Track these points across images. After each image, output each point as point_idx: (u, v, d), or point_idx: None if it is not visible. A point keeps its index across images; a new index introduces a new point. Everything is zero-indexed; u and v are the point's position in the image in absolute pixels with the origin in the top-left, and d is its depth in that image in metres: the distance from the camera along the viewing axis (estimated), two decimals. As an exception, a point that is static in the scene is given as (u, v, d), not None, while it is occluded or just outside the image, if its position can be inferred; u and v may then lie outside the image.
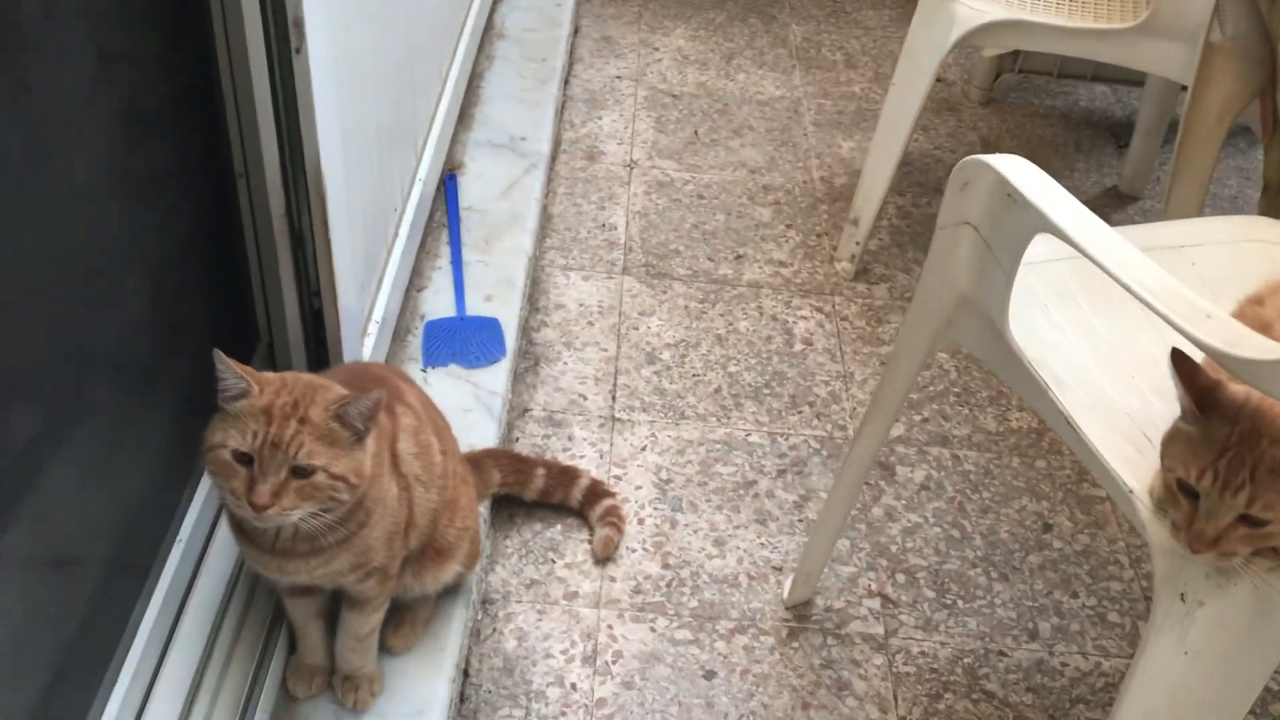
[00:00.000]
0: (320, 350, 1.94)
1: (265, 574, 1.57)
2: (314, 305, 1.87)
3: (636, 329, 2.62)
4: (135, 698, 1.61)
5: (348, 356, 1.95)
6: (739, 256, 2.85)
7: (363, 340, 2.10)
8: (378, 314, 2.20)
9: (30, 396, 1.29)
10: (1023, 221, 1.38)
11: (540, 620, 2.02)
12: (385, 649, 1.81)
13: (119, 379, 1.61)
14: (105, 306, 1.52)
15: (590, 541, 2.14)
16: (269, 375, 1.40)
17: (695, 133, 3.27)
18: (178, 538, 1.79)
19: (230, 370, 1.34)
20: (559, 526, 2.18)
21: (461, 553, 1.82)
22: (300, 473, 1.34)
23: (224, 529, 1.76)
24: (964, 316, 1.61)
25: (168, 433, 1.82)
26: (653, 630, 2.01)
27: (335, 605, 1.74)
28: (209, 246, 1.89)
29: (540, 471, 2.15)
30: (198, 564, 1.80)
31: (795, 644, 2.01)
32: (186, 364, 1.85)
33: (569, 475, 2.18)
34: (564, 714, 1.88)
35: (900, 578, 2.13)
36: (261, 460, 1.33)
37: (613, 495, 2.17)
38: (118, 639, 1.63)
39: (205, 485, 1.82)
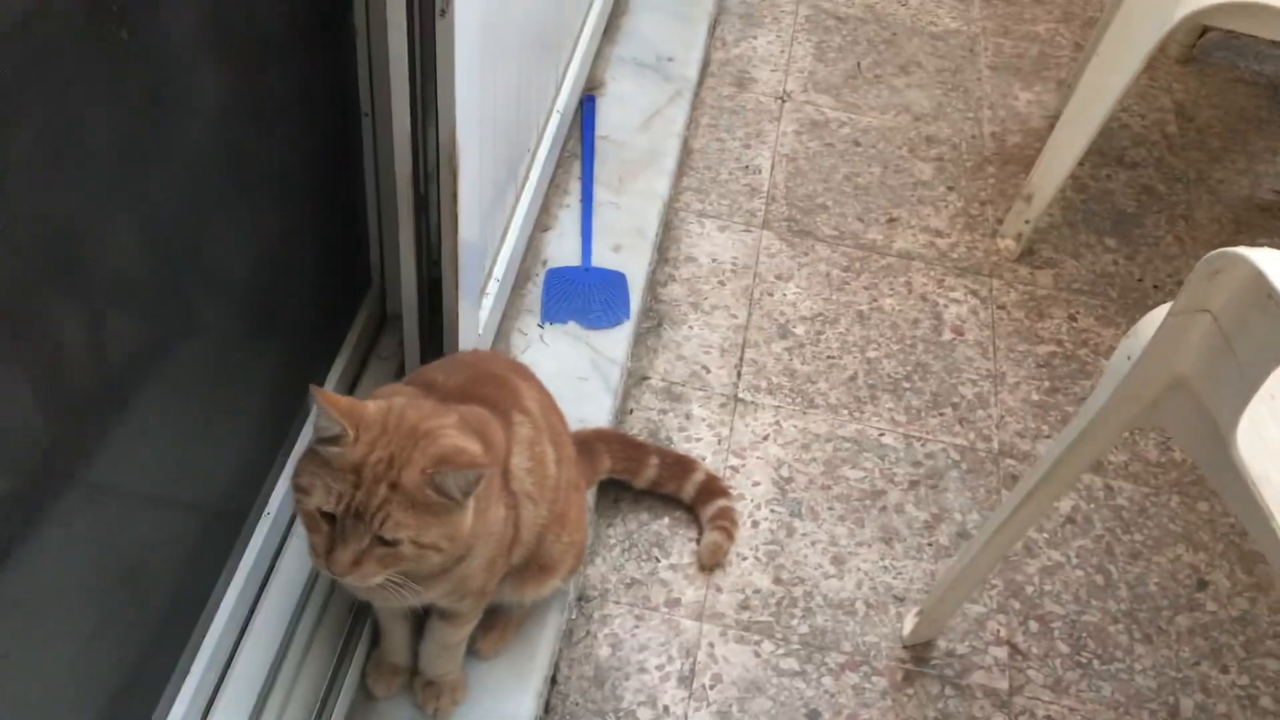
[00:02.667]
0: (435, 317, 1.77)
1: (355, 595, 1.44)
2: (432, 274, 1.69)
3: (771, 295, 2.40)
4: (209, 682, 1.52)
5: (464, 324, 1.78)
6: (892, 220, 2.59)
7: (481, 300, 1.92)
8: (499, 271, 2.01)
9: (125, 320, 1.24)
10: (1280, 331, 1.14)
11: (638, 627, 1.88)
12: (473, 653, 1.69)
13: (216, 315, 1.46)
14: (213, 233, 1.37)
15: (698, 543, 1.98)
16: (372, 412, 1.24)
17: (858, 65, 2.96)
18: (265, 510, 1.67)
19: (327, 412, 1.19)
20: (666, 520, 2.02)
21: (565, 568, 1.67)
22: (385, 542, 1.21)
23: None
24: (1176, 401, 1.37)
25: (265, 387, 1.68)
26: (757, 655, 1.86)
27: (424, 608, 1.62)
28: (327, 183, 1.72)
29: (653, 461, 1.98)
30: (283, 540, 1.69)
31: (910, 690, 1.84)
32: (292, 305, 1.69)
33: (683, 467, 2.00)
34: (654, 740, 1.76)
35: (1033, 625, 1.94)
36: (344, 526, 1.19)
37: (727, 495, 2.00)
38: (195, 617, 1.53)
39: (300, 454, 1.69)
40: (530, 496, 1.50)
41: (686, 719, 1.78)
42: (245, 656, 1.57)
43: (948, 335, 2.36)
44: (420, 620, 1.66)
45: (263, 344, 1.64)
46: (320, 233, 1.75)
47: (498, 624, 1.72)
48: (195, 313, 1.40)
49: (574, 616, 1.88)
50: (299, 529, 1.71)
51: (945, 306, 2.42)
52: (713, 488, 2.00)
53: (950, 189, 2.68)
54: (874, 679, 1.85)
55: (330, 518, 1.19)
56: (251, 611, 1.61)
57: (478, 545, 1.35)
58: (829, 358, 2.30)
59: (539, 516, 1.54)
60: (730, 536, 1.96)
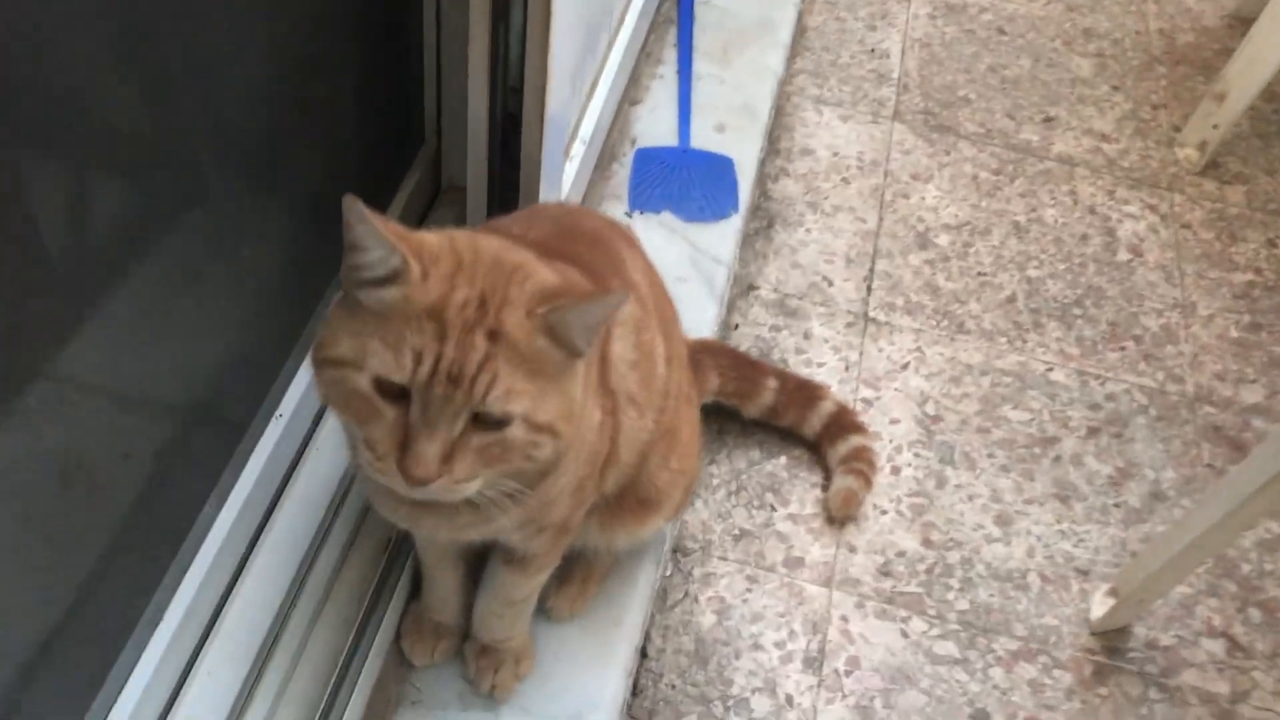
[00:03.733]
0: (508, 172, 1.34)
1: (396, 523, 1.02)
2: (508, 107, 1.27)
3: (906, 197, 1.96)
4: (189, 633, 1.12)
5: (546, 183, 1.36)
6: (1048, 119, 2.14)
7: (564, 164, 1.50)
8: (585, 130, 1.59)
9: (112, 180, 0.94)
10: None
11: (749, 591, 1.45)
12: (543, 613, 1.28)
13: (222, 176, 1.06)
14: (219, 65, 0.97)
15: (824, 489, 1.56)
16: (435, 243, 0.84)
17: (998, -53, 2.50)
18: (277, 412, 1.25)
19: (372, 231, 0.78)
20: (783, 459, 1.59)
21: (671, 504, 1.24)
22: (487, 423, 0.81)
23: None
24: None
25: (280, 266, 1.27)
26: (904, 635, 1.43)
27: (482, 550, 1.20)
28: (369, 5, 1.30)
29: (770, 384, 1.55)
30: (299, 454, 1.28)
31: (1103, 690, 1.41)
32: (317, 163, 1.28)
33: (808, 394, 1.57)
34: (773, 739, 1.33)
35: (1254, 614, 1.50)
36: (428, 402, 0.79)
37: (863, 431, 1.57)
38: (174, 550, 1.13)
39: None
40: (633, 400, 1.09)
41: (815, 713, 1.36)
42: (240, 604, 1.16)
43: (1124, 255, 1.92)
44: (476, 566, 1.24)
45: (278, 213, 1.23)
46: (359, 68, 1.33)
47: (576, 576, 1.30)
48: (197, 173, 1.03)
49: (668, 573, 1.45)
50: (320, 437, 1.29)
51: (1119, 222, 1.97)
52: (844, 421, 1.57)
53: (1115, 88, 2.22)
54: (1056, 673, 1.42)
55: (398, 395, 0.81)
56: (252, 545, 1.20)
57: (569, 455, 0.93)
58: (980, 275, 1.86)
59: (642, 429, 1.12)
60: (867, 483, 1.53)
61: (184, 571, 1.13)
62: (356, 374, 0.81)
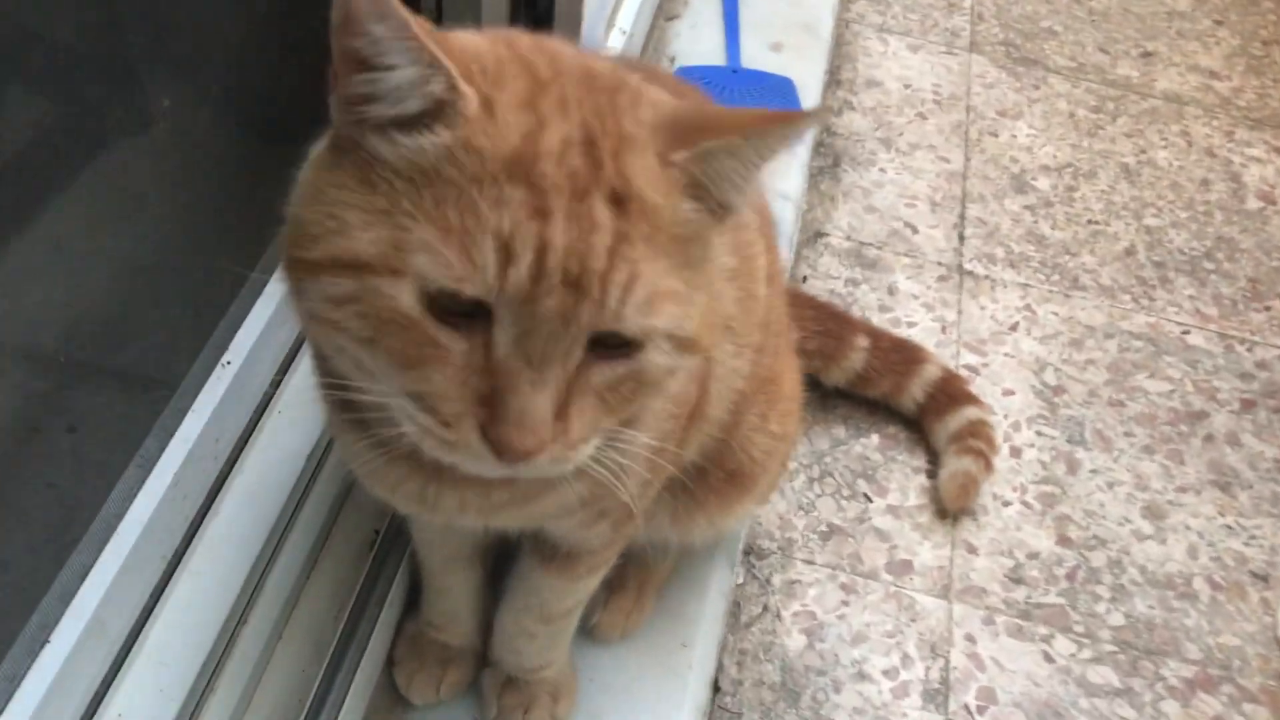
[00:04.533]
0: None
1: (396, 506, 0.69)
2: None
3: (994, 135, 1.64)
4: (90, 660, 0.78)
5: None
6: (1146, 54, 1.83)
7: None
8: (624, 20, 1.26)
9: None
10: None
11: (847, 605, 1.12)
12: (584, 632, 0.94)
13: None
14: None
15: (931, 475, 1.23)
16: (478, 47, 0.57)
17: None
18: (223, 359, 0.92)
19: (395, 26, 0.52)
20: (875, 438, 1.26)
21: (766, 480, 0.92)
22: (612, 346, 0.55)
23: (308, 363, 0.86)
24: None
25: (229, 169, 0.95)
26: (1048, 659, 1.10)
27: (504, 544, 0.87)
28: None
29: (861, 342, 1.23)
30: (255, 416, 0.94)
31: (1308, 730, 1.08)
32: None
33: (906, 356, 1.25)
34: (892, 800, 1.00)
35: None
36: (531, 323, 0.53)
37: (977, 402, 1.24)
38: (75, 538, 0.80)
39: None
40: (729, 326, 0.76)
41: (945, 765, 1.02)
42: (167, 619, 0.83)
43: (1254, 203, 1.61)
44: (497, 567, 0.91)
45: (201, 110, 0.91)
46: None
47: (630, 583, 0.98)
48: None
49: (740, 581, 1.12)
50: (286, 393, 0.96)
51: (1243, 166, 1.66)
52: (953, 390, 1.24)
53: (1218, 23, 1.92)
54: (1247, 707, 1.09)
55: (469, 317, 0.54)
56: (187, 540, 0.87)
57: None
58: (1091, 223, 1.54)
59: (738, 371, 0.81)
60: (987, 465, 1.20)
61: (84, 573, 0.79)
62: (389, 284, 0.52)
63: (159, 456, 0.86)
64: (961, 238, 1.49)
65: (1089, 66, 1.79)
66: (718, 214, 0.57)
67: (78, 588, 0.79)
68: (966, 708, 1.06)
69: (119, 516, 0.82)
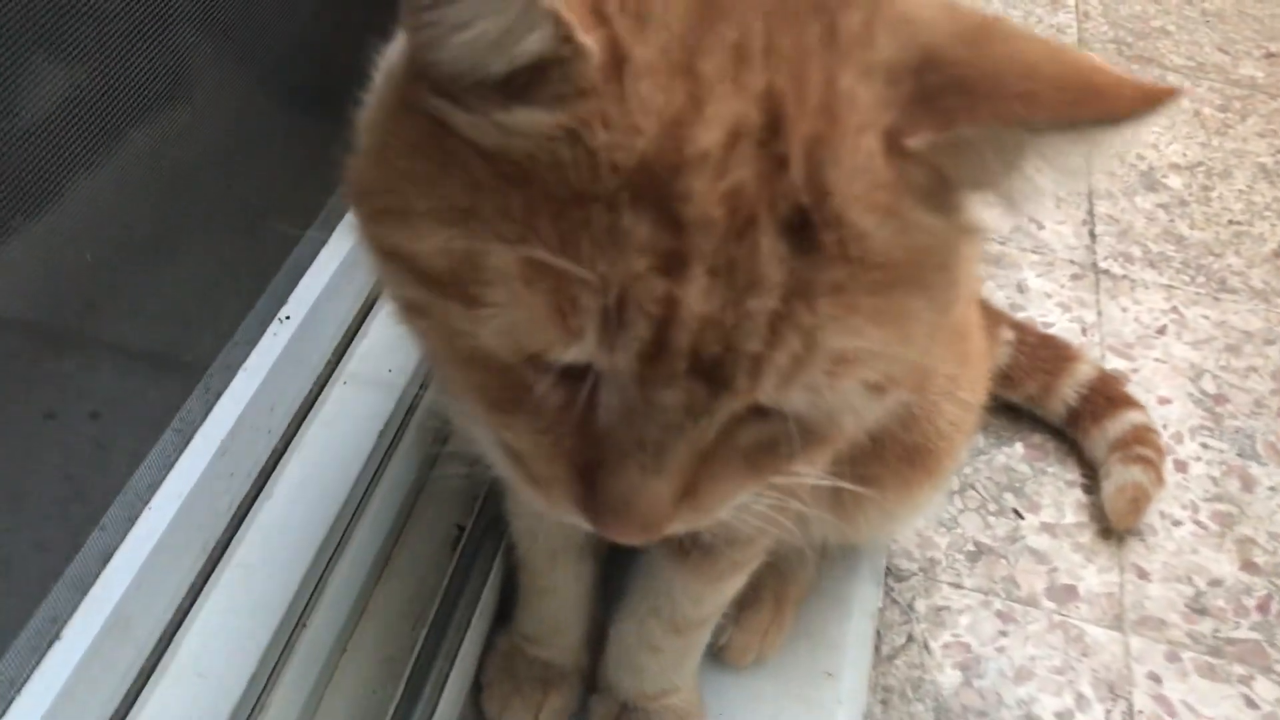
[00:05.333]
0: None
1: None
2: None
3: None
4: (107, 669, 0.60)
5: None
6: (1269, 55, 1.69)
7: None
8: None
9: None
10: None
11: (1005, 636, 0.94)
12: (712, 655, 0.76)
13: None
14: None
15: (1090, 489, 1.05)
16: None
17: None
18: (280, 314, 0.76)
19: None
20: (1019, 447, 1.09)
21: (951, 459, 0.75)
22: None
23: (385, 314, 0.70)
24: None
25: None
26: (1250, 704, 0.92)
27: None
28: None
29: (1006, 334, 1.07)
30: (320, 382, 0.78)
31: None
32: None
33: (1056, 354, 1.09)
34: None
35: None
36: (647, 410, 0.38)
37: (1139, 406, 1.07)
38: (103, 509, 0.64)
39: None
40: None
41: (1143, 830, 0.84)
42: (205, 625, 0.66)
43: None
44: (610, 565, 0.74)
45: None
46: None
47: (766, 596, 0.81)
48: None
49: (882, 605, 0.94)
50: (361, 346, 0.80)
51: (1390, 169, 1.50)
52: (1112, 393, 1.07)
53: (1341, 27, 1.78)
54: None
55: (573, 376, 0.39)
56: (233, 532, 0.71)
57: None
58: (1232, 223, 1.38)
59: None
60: (1158, 477, 1.02)
61: (105, 558, 0.62)
62: (464, 315, 0.38)
63: (202, 421, 0.69)
64: (1092, 235, 1.33)
65: (1209, 66, 1.64)
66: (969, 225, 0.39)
67: (97, 574, 0.62)
68: (1161, 761, 0.88)
69: (151, 490, 0.66)
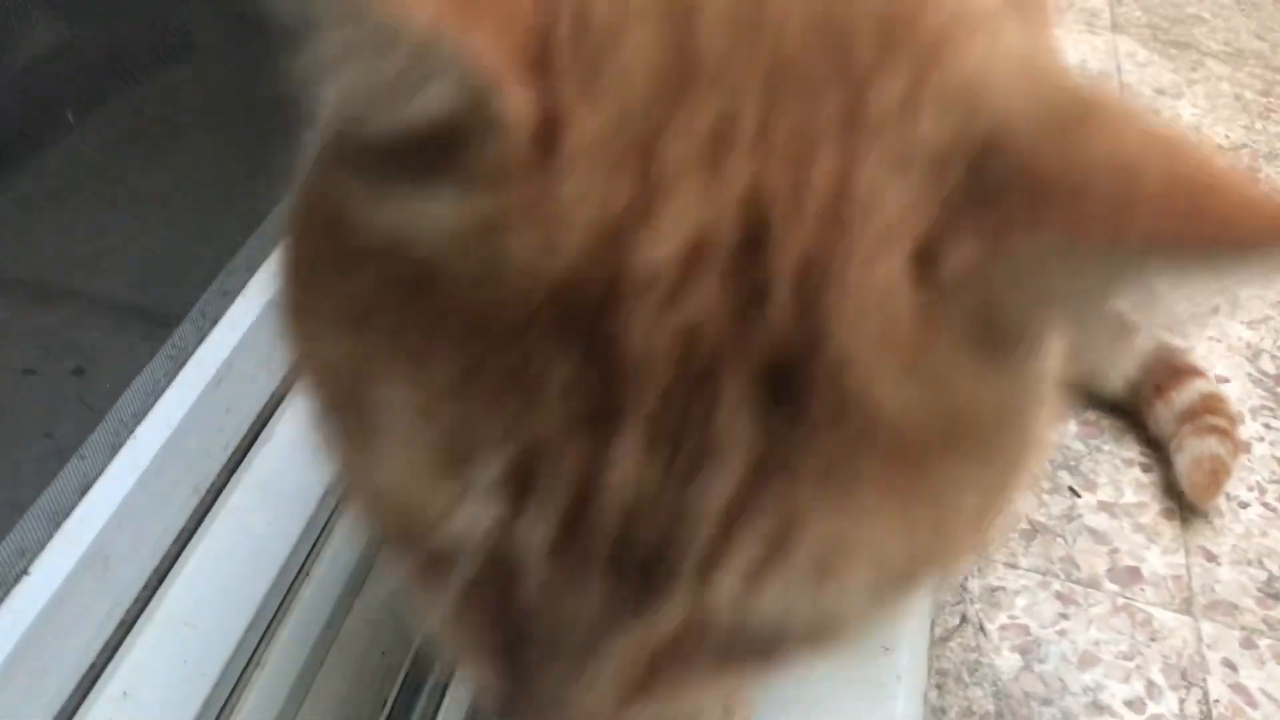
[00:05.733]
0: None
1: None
2: None
3: (1155, 113, 1.43)
4: None
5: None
6: (1308, 43, 1.63)
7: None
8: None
9: None
10: None
11: (1066, 619, 0.87)
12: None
13: None
14: None
15: (1148, 468, 0.98)
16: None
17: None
18: (241, 290, 0.69)
19: None
20: (1071, 424, 1.02)
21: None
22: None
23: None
24: None
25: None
26: (1333, 693, 0.84)
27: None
28: None
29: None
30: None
31: None
32: None
33: (1111, 322, 1.01)
34: None
35: None
36: (559, 614, 0.29)
37: (1205, 375, 1.00)
38: (83, 435, 0.57)
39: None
40: None
41: (1228, 827, 0.76)
42: (195, 570, 0.59)
43: None
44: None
45: None
46: None
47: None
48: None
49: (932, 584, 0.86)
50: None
51: None
52: (1175, 362, 1.01)
53: (1379, 18, 1.73)
54: None
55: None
56: (234, 467, 0.63)
57: None
58: (1281, 204, 1.32)
59: None
60: (1235, 447, 0.95)
61: (84, 488, 0.55)
62: (354, 444, 0.31)
63: (197, 346, 0.62)
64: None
65: (1248, 52, 1.59)
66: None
67: (73, 506, 0.55)
68: (1241, 751, 0.80)
69: (137, 418, 0.58)
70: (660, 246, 0.25)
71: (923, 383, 0.27)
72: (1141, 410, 1.00)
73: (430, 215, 0.26)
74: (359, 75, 0.25)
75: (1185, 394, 0.97)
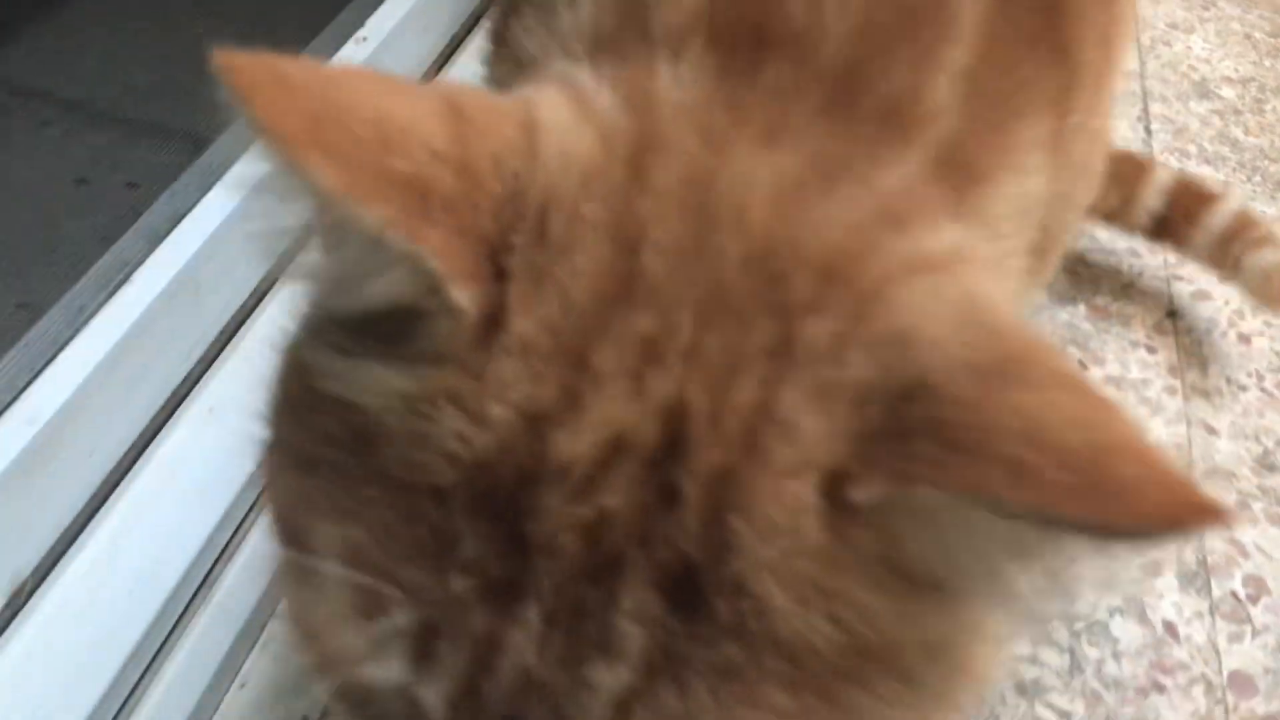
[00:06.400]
0: None
1: None
2: None
3: (1168, 45, 1.48)
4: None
5: None
6: (1316, -6, 1.68)
7: None
8: None
9: None
10: None
11: (1073, 471, 0.90)
12: None
13: None
14: None
15: (1153, 349, 1.02)
16: (559, 134, 0.31)
17: None
18: (357, 34, 0.72)
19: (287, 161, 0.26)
20: (1082, 308, 1.07)
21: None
22: None
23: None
24: None
25: None
26: (1323, 551, 0.89)
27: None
28: None
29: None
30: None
31: None
32: None
33: (1133, 165, 1.06)
34: (1158, 686, 0.78)
35: None
36: None
37: (1223, 197, 1.04)
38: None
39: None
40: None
41: (1219, 654, 0.80)
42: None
43: None
44: None
45: None
46: None
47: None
48: None
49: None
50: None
51: None
52: (1198, 189, 1.03)
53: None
54: None
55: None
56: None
57: None
58: (1286, 133, 1.36)
59: None
60: None
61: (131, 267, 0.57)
62: (291, 578, 0.32)
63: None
64: (1149, 130, 1.31)
65: (1258, -3, 1.63)
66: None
67: (169, 232, 0.57)
68: (1234, 595, 0.85)
69: (180, 215, 0.60)
70: (578, 442, 0.27)
71: (829, 607, 0.27)
72: (1178, 240, 1.01)
73: (379, 382, 0.29)
74: (332, 258, 0.28)
75: (1218, 216, 1.00)
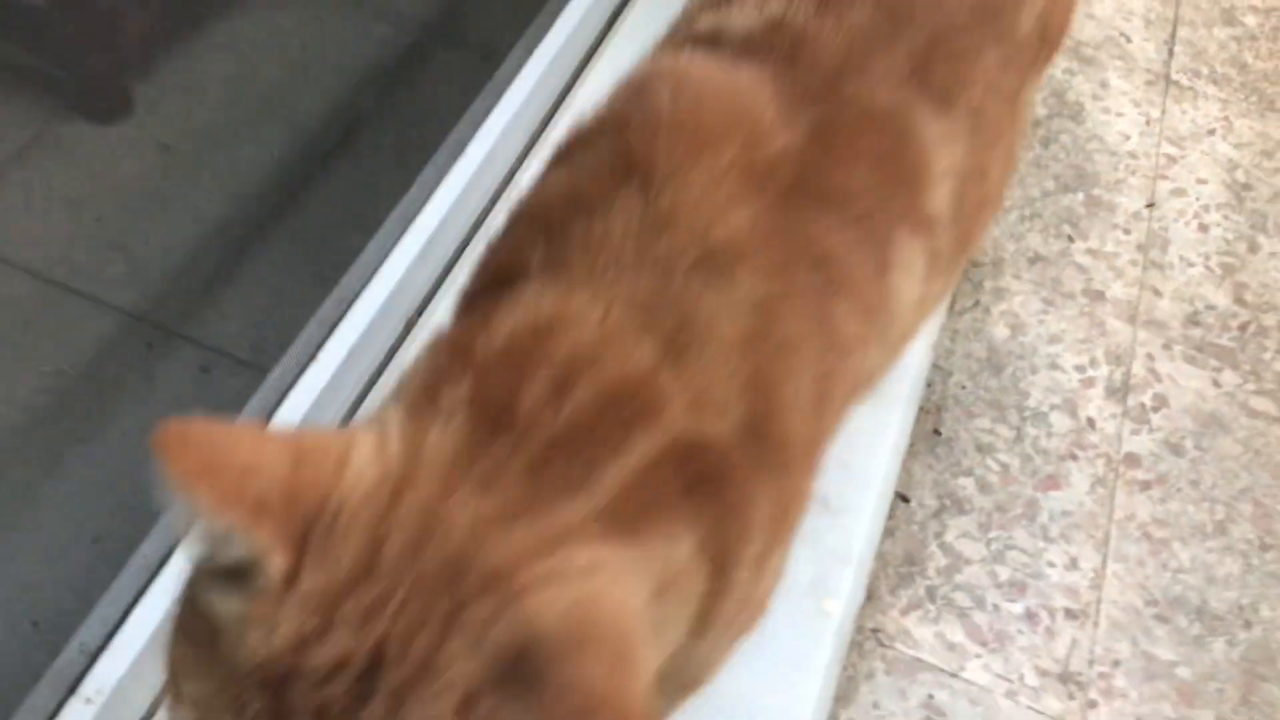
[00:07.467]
0: None
1: None
2: None
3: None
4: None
5: None
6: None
7: None
8: None
9: None
10: None
11: (1046, 314, 1.29)
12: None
13: None
14: None
15: (1129, 230, 1.38)
16: (356, 487, 0.49)
17: None
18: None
19: (188, 486, 0.45)
20: (1080, 196, 1.41)
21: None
22: None
23: None
24: None
25: None
26: (1216, 384, 1.26)
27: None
28: None
29: None
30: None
31: None
32: None
33: None
34: (1073, 456, 1.17)
35: None
36: None
37: None
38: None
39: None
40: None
41: (1120, 441, 1.19)
42: None
43: None
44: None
45: None
46: None
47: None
48: None
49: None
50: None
51: None
52: None
53: None
54: (1389, 448, 1.24)
55: None
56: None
57: None
58: (1292, 59, 1.66)
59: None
60: None
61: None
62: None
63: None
64: (1170, 52, 1.62)
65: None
66: None
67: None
68: (1142, 405, 1.23)
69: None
70: (320, 656, 0.44)
71: None
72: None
73: (228, 604, 0.45)
74: (205, 537, 0.46)
75: None
